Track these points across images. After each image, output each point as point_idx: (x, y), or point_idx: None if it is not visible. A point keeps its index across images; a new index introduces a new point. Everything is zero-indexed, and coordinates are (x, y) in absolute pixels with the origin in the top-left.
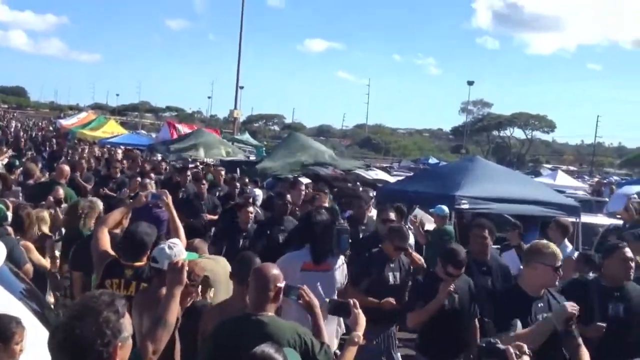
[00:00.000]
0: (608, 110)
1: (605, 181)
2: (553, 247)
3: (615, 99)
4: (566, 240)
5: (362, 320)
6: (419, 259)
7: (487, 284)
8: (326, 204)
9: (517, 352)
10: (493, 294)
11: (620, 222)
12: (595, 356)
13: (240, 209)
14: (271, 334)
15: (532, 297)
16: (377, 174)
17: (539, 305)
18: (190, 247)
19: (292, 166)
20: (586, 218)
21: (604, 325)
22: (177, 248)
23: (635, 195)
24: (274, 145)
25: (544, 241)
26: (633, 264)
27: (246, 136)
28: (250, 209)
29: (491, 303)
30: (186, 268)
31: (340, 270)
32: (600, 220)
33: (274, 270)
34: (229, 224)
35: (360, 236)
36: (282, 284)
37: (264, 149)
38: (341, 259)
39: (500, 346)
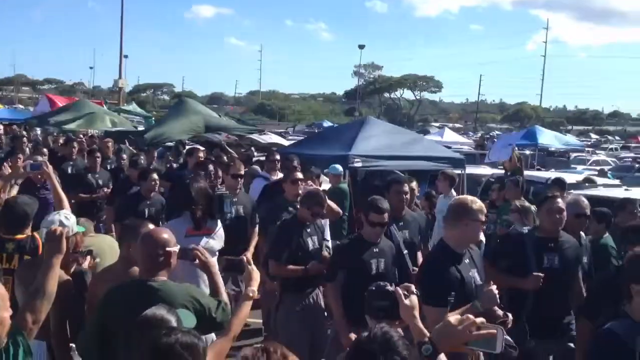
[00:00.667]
0: (490, 69)
1: (487, 136)
2: (478, 201)
3: (496, 57)
4: (453, 190)
5: (256, 275)
6: (335, 207)
7: (406, 238)
8: (241, 172)
9: (405, 292)
10: (427, 256)
11: (501, 171)
12: (533, 308)
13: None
14: (163, 298)
15: (459, 254)
16: (271, 138)
17: (466, 261)
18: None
19: (183, 133)
20: (471, 169)
21: (541, 275)
22: (72, 220)
23: (516, 147)
24: (164, 114)
25: (469, 197)
26: (565, 214)
27: (133, 106)
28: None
29: (424, 263)
30: (64, 236)
31: (220, 234)
32: (483, 170)
33: (164, 235)
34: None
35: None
36: (173, 248)
37: (153, 118)
38: (219, 223)
39: (389, 288)
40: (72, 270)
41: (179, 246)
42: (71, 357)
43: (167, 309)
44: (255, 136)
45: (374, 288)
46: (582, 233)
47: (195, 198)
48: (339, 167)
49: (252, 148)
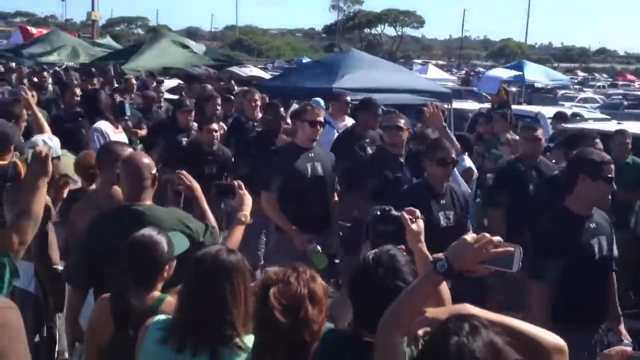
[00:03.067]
0: (474, 3)
1: (472, 73)
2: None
3: None
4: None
5: (248, 200)
6: None
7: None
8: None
9: (412, 218)
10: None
11: (486, 105)
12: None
13: (202, 127)
14: (151, 222)
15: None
16: (251, 71)
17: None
18: None
19: (161, 65)
20: (457, 104)
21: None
22: (55, 141)
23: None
24: (141, 46)
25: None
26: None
27: (107, 39)
28: (215, 126)
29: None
30: (50, 157)
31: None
32: (470, 105)
33: (145, 159)
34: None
35: None
36: (154, 172)
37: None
38: None
39: (395, 213)
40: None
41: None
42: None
43: (157, 230)
44: (235, 69)
45: (378, 212)
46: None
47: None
48: (321, 101)
49: (232, 81)
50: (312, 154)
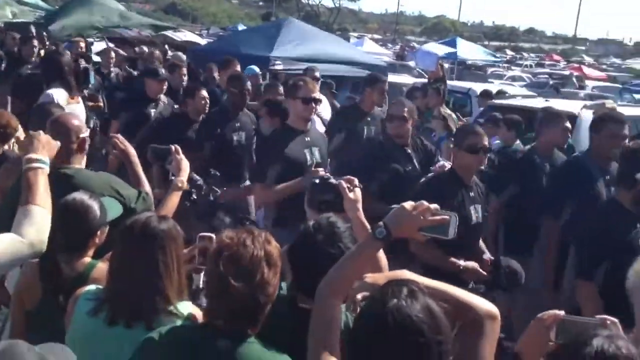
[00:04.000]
0: None
1: (407, 48)
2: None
3: None
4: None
5: (185, 165)
6: None
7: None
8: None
9: (349, 186)
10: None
11: (420, 80)
12: None
13: (193, 94)
14: (79, 186)
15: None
16: (186, 36)
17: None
18: None
19: (92, 27)
20: (393, 78)
21: None
22: None
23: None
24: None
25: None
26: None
27: None
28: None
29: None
30: None
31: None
32: (405, 79)
33: (74, 121)
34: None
35: None
36: (85, 135)
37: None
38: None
39: (333, 180)
40: None
41: (88, 131)
42: None
43: (89, 194)
44: (169, 33)
45: (317, 181)
46: None
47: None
48: (256, 69)
49: (166, 46)
50: (309, 138)
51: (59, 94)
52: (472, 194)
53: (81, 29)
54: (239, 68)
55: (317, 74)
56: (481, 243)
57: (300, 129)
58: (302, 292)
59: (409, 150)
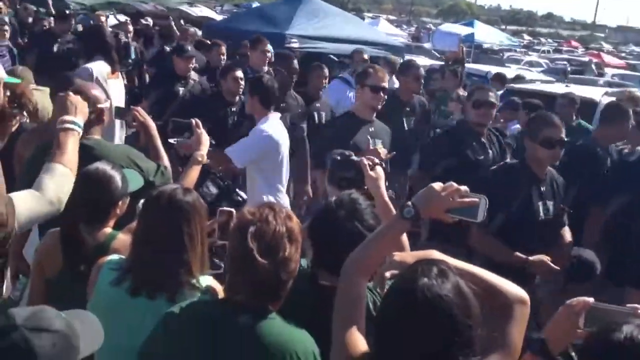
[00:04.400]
0: None
1: (423, 29)
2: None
3: None
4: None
5: (205, 139)
6: None
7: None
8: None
9: (371, 164)
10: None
11: (437, 62)
12: None
13: (226, 75)
14: (98, 157)
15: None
16: (201, 11)
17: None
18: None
19: (108, 1)
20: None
21: None
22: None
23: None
24: None
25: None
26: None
27: None
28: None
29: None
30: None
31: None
32: (422, 61)
33: (94, 91)
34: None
35: None
36: (104, 105)
37: None
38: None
39: (355, 158)
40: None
41: (109, 102)
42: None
43: (111, 165)
44: (185, 7)
45: (338, 157)
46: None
47: (109, 41)
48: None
49: (182, 20)
50: (373, 129)
51: (100, 68)
52: (543, 188)
53: (97, 3)
54: (270, 47)
55: (366, 56)
56: (567, 236)
57: (366, 119)
58: (324, 269)
59: (484, 140)
